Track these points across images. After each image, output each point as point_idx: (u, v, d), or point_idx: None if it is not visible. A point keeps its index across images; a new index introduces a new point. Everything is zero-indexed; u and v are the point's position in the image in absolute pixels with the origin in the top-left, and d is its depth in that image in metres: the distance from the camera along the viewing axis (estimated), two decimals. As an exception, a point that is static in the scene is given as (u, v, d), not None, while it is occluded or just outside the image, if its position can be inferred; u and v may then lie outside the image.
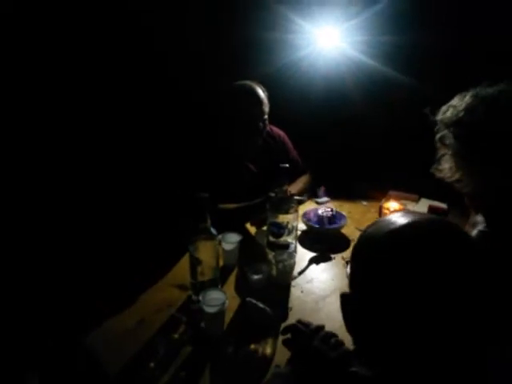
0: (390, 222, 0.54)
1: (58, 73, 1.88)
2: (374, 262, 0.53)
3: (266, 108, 1.60)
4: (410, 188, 1.76)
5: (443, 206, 1.56)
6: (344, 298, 0.59)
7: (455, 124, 0.89)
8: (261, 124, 1.59)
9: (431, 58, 1.95)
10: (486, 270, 0.50)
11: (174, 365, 0.91)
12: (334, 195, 1.82)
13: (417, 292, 0.48)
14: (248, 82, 1.61)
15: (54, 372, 0.98)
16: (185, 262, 1.26)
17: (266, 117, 1.62)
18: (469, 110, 0.87)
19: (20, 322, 1.39)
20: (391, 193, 1.75)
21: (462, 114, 0.87)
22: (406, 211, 0.60)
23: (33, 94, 1.84)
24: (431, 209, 1.56)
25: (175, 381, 0.87)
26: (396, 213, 0.57)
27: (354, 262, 0.59)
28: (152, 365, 0.91)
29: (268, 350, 0.96)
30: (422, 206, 1.63)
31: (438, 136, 0.93)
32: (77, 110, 1.96)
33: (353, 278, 0.58)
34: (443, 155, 0.94)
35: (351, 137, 2.23)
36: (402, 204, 1.58)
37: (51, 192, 1.89)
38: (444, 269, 0.49)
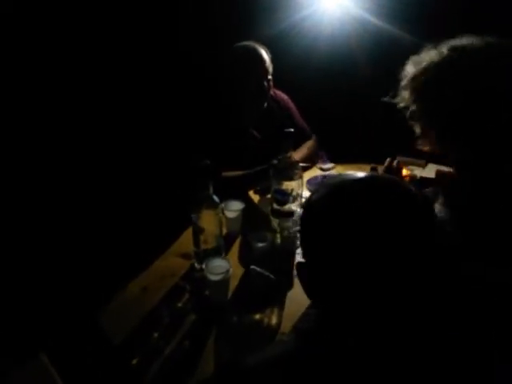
0: (330, 184, 0.56)
1: (59, 64, 1.85)
2: (315, 225, 0.54)
3: (270, 68, 1.54)
4: (416, 153, 1.72)
5: (451, 170, 1.52)
6: (299, 266, 0.59)
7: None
8: (265, 84, 1.54)
9: (442, 15, 1.85)
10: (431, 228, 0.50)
11: (179, 333, 0.90)
12: (339, 161, 1.77)
13: (358, 250, 0.48)
14: (250, 43, 1.55)
15: (61, 342, 0.99)
16: (189, 231, 1.24)
17: (270, 77, 1.56)
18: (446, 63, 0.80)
19: (27, 296, 1.40)
20: (399, 158, 1.70)
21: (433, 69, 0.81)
22: (343, 173, 0.60)
23: (33, 90, 1.82)
24: (439, 173, 1.52)
25: (180, 349, 0.87)
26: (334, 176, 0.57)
27: (301, 230, 0.58)
28: (156, 334, 0.91)
29: (273, 320, 0.95)
30: (430, 170, 1.59)
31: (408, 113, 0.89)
32: (80, 88, 1.93)
33: (302, 245, 0.58)
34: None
35: (355, 101, 2.16)
36: (409, 169, 1.54)
37: (54, 165, 1.88)
38: (383, 224, 0.48)
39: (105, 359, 0.92)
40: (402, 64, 2.13)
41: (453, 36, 0.91)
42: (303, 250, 0.57)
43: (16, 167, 1.78)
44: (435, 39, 1.86)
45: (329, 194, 0.54)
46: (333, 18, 1.92)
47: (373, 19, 1.88)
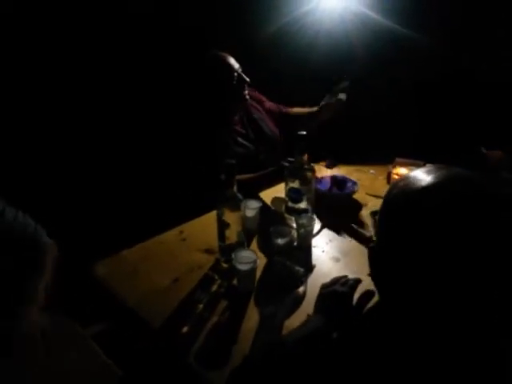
0: (420, 179, 0.56)
1: (58, 59, 1.89)
2: (407, 217, 0.54)
3: (237, 65, 1.67)
4: (413, 155, 1.82)
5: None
6: (372, 250, 0.62)
7: None
8: (246, 87, 1.68)
9: (439, 14, 1.95)
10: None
11: (215, 315, 0.99)
12: (344, 161, 1.89)
13: (448, 247, 0.49)
14: (220, 53, 1.68)
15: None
16: (208, 227, 1.33)
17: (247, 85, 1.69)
18: None
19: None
20: (398, 160, 1.81)
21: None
22: (429, 167, 0.58)
23: (32, 89, 1.86)
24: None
25: (218, 329, 0.95)
26: (422, 168, 0.58)
27: (385, 217, 0.60)
28: (190, 318, 0.99)
29: (297, 300, 1.04)
30: (429, 171, 1.70)
31: None
32: (76, 85, 1.97)
33: (383, 232, 0.60)
34: None
35: (355, 99, 2.25)
36: (409, 170, 1.65)
37: (54, 165, 1.93)
38: (481, 225, 0.48)
39: (145, 342, 0.99)
40: (400, 59, 2.22)
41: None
42: (384, 237, 0.59)
43: (16, 168, 1.81)
44: (432, 33, 1.95)
45: (426, 188, 0.53)
46: (333, 13, 2.00)
47: (372, 15, 1.97)
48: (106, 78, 2.01)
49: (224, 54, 1.67)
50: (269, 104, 1.93)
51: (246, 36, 1.69)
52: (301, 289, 1.07)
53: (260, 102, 1.91)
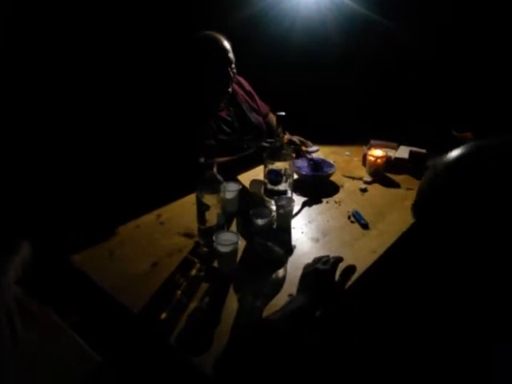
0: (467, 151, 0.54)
1: (55, 56, 1.83)
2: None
3: (231, 55, 1.67)
4: (386, 137, 1.86)
5: (423, 150, 1.68)
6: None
7: None
8: (230, 70, 1.67)
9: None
10: None
11: (196, 298, 0.98)
12: (321, 144, 1.89)
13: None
14: (210, 32, 1.67)
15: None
16: (187, 211, 1.32)
17: (233, 66, 1.69)
18: None
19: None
20: (372, 141, 1.84)
21: None
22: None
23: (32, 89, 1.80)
24: (412, 153, 1.67)
25: (199, 311, 0.94)
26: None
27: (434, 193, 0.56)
28: (171, 301, 0.98)
29: (279, 281, 1.05)
30: (403, 152, 1.74)
31: None
32: (78, 85, 1.92)
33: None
34: None
35: (332, 85, 2.26)
36: (384, 151, 1.68)
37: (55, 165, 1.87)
38: None
39: (126, 327, 0.97)
40: (375, 45, 2.25)
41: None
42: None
43: (16, 166, 1.77)
44: (407, 22, 2.00)
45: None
46: (309, 1, 2.02)
47: (348, 2, 2.01)
48: (90, 66, 1.96)
49: (217, 35, 1.65)
50: (260, 102, 1.94)
51: (223, 22, 1.66)
52: (281, 270, 1.08)
53: (250, 95, 1.91)
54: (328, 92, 2.21)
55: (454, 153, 0.54)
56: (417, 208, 0.57)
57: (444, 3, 1.96)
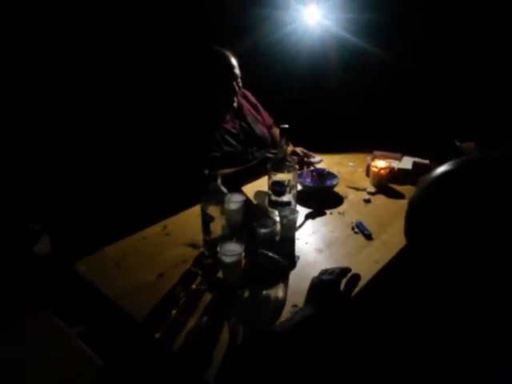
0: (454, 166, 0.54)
1: (55, 55, 1.86)
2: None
3: (238, 71, 1.73)
4: (390, 148, 1.88)
5: (426, 161, 1.68)
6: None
7: None
8: (235, 84, 1.72)
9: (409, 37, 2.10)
10: None
11: (198, 310, 0.99)
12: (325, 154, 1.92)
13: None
14: (220, 48, 1.73)
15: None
16: (192, 222, 1.33)
17: (239, 80, 1.74)
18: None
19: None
20: (376, 152, 1.85)
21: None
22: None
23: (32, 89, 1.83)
24: (416, 165, 1.68)
25: (200, 324, 0.95)
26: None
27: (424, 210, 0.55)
28: (175, 311, 0.99)
29: (280, 294, 1.06)
30: (406, 162, 1.75)
31: None
32: (78, 86, 1.95)
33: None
34: None
35: (333, 105, 2.34)
36: (387, 162, 1.69)
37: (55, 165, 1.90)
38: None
39: (130, 335, 0.99)
40: (372, 73, 2.36)
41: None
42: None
43: (16, 169, 1.79)
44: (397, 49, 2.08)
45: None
46: (313, 34, 2.13)
47: (349, 36, 2.13)
48: (96, 71, 1.99)
49: (225, 52, 1.71)
50: (264, 113, 1.99)
51: (239, 50, 1.77)
52: (285, 281, 1.09)
53: (255, 107, 1.96)
54: (331, 100, 2.30)
55: (442, 168, 0.55)
56: (407, 222, 0.58)
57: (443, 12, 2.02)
